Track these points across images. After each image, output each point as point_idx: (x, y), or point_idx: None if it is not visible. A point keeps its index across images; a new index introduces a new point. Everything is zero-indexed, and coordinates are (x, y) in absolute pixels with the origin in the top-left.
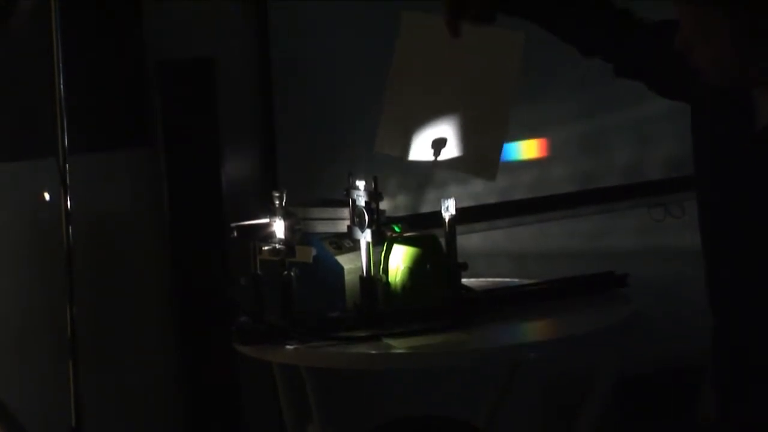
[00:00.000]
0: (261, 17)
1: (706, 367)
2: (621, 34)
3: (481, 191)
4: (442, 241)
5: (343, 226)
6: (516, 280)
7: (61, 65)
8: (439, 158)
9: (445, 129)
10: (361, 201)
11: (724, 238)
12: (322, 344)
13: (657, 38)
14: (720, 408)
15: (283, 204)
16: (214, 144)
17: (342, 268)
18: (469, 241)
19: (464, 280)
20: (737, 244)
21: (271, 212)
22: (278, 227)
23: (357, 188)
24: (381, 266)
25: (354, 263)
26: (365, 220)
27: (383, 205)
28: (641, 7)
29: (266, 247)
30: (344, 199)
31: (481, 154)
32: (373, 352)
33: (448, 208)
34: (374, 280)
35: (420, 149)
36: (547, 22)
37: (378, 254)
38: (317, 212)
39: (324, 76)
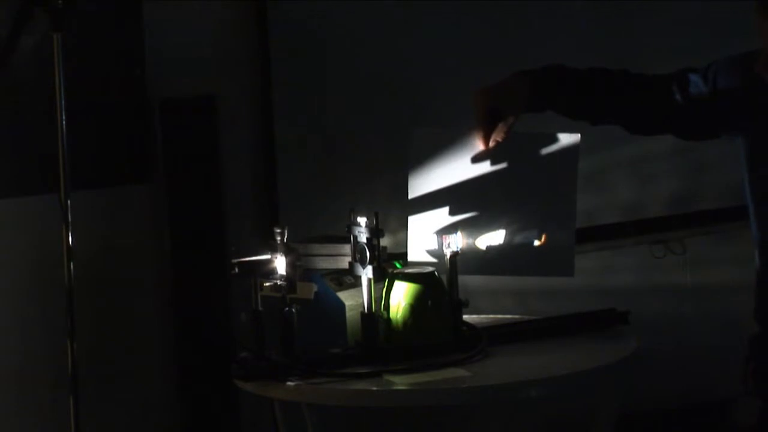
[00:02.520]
0: (262, 53)
1: (743, 378)
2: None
3: None
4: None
5: (344, 263)
6: (517, 316)
7: (63, 102)
8: (510, 265)
9: (506, 236)
10: (363, 237)
11: None
12: (323, 381)
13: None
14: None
15: (285, 240)
16: (216, 180)
17: (343, 305)
18: (471, 277)
19: (465, 317)
20: None
21: (273, 248)
22: (279, 263)
23: (358, 224)
24: (382, 303)
25: (355, 299)
26: (366, 257)
27: (384, 241)
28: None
29: (267, 283)
30: (346, 235)
31: (555, 253)
32: (374, 388)
33: (450, 245)
34: (375, 317)
35: (485, 264)
36: (576, 114)
37: (379, 291)
38: (318, 248)
39: (326, 112)
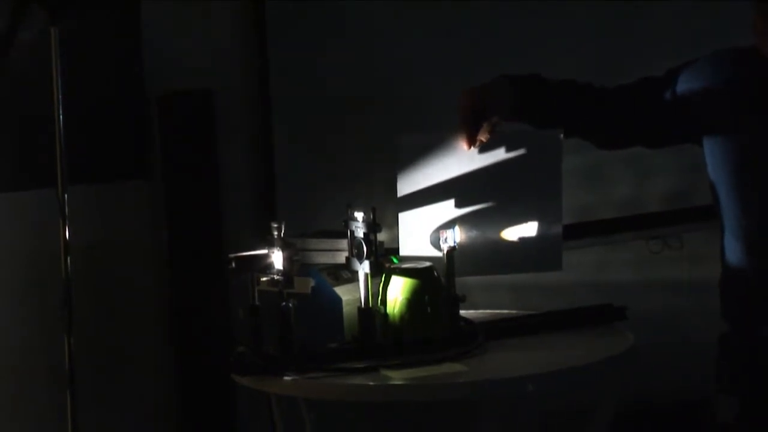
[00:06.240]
0: (260, 49)
1: (717, 376)
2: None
3: None
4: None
5: (341, 258)
6: (514, 311)
7: (60, 97)
8: (499, 263)
9: (494, 235)
10: (360, 232)
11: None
12: (320, 375)
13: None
14: (740, 411)
15: (282, 235)
16: (214, 176)
17: (340, 300)
18: None
19: (462, 312)
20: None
21: (270, 243)
22: (277, 258)
23: (355, 219)
24: (379, 297)
25: (352, 294)
26: (363, 252)
27: (381, 236)
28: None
29: (265, 278)
30: (343, 230)
31: (543, 248)
32: (371, 383)
33: (447, 240)
34: (372, 312)
35: (476, 260)
36: (559, 124)
37: (376, 285)
38: (316, 243)
39: (323, 108)
